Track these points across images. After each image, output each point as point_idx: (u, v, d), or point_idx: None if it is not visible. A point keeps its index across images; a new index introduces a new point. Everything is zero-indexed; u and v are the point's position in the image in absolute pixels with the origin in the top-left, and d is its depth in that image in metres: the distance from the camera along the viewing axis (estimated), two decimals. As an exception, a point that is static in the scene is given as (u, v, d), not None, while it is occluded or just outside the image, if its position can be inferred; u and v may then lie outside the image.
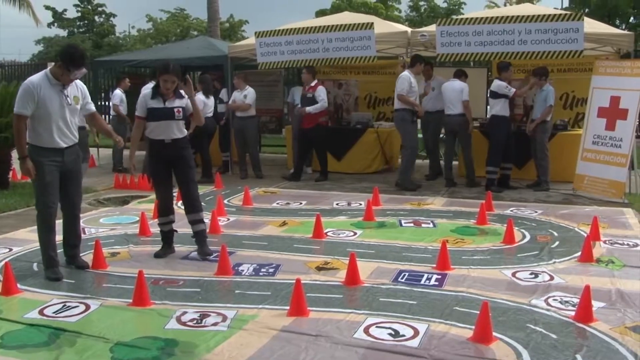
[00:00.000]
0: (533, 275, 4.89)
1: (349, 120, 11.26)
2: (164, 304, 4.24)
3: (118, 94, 11.38)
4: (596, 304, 4.11)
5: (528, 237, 6.16)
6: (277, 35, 9.96)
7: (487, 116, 10.85)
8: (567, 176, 8.98)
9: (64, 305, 4.24)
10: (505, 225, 6.15)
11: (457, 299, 4.33)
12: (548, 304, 4.23)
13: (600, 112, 8.49)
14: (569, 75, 10.60)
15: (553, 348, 3.52)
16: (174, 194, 5.63)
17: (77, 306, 4.21)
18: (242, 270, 5.03)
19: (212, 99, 10.15)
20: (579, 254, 5.39)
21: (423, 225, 6.73)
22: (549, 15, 8.35)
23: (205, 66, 12.03)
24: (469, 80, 9.43)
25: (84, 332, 3.76)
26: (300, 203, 8.01)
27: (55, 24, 40.70)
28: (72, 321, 3.94)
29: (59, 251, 5.04)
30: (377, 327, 3.82)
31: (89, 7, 40.88)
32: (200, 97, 9.29)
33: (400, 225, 6.74)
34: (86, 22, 41.15)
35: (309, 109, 9.47)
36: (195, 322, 3.93)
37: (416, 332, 3.73)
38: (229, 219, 7.03)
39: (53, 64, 4.95)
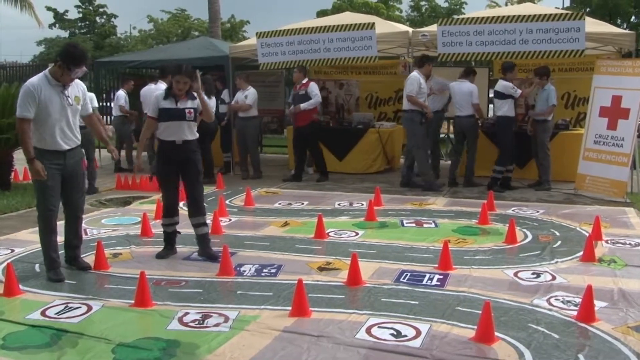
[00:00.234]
0: (535, 275, 4.88)
1: (350, 120, 11.27)
2: (166, 304, 4.24)
3: (122, 95, 11.39)
4: (598, 304, 4.11)
5: (530, 236, 6.16)
6: (278, 35, 9.97)
7: (489, 116, 10.87)
8: (569, 176, 8.98)
9: (66, 306, 4.24)
10: (507, 225, 6.14)
11: (459, 299, 4.32)
12: (550, 304, 4.22)
13: (601, 111, 8.48)
14: (570, 75, 10.60)
15: (555, 348, 3.51)
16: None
17: (79, 307, 4.21)
18: (244, 271, 5.02)
19: (213, 99, 10.14)
20: (581, 253, 5.38)
21: (425, 225, 6.73)
22: (550, 14, 8.35)
23: (206, 67, 12.03)
24: (471, 80, 9.42)
25: (85, 333, 3.76)
26: (302, 203, 8.01)
27: (57, 25, 40.69)
28: (74, 322, 3.94)
29: (60, 252, 5.04)
30: (379, 327, 3.82)
31: (90, 8, 40.87)
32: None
33: (402, 225, 6.73)
34: (87, 23, 41.14)
35: (302, 105, 9.49)
36: (197, 322, 3.93)
37: (418, 333, 3.72)
38: (230, 220, 7.03)
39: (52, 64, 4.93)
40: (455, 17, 13.69)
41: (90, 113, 5.18)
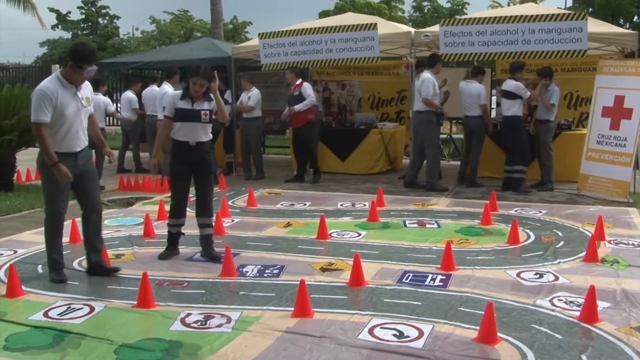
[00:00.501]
0: (538, 276, 4.88)
1: (352, 121, 11.26)
2: (168, 305, 4.24)
3: (133, 97, 11.24)
4: (601, 304, 4.10)
5: (532, 237, 6.15)
6: (281, 36, 9.97)
7: (492, 116, 10.84)
8: (572, 176, 8.97)
9: (69, 307, 4.25)
10: (510, 225, 6.14)
11: (462, 300, 4.32)
12: (553, 304, 4.21)
13: (604, 111, 8.47)
14: (573, 75, 10.59)
15: (558, 348, 3.51)
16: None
17: (82, 308, 4.21)
18: (247, 272, 5.03)
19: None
20: (584, 253, 5.37)
21: (427, 225, 6.73)
22: (553, 14, 8.34)
23: (209, 68, 12.02)
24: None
25: (88, 334, 3.76)
26: (305, 204, 8.01)
27: (60, 26, 40.81)
28: (77, 323, 3.94)
29: (65, 253, 5.02)
30: (381, 328, 3.81)
31: (93, 9, 40.96)
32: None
33: (405, 225, 6.73)
34: (90, 24, 41.23)
35: (297, 107, 9.47)
36: (199, 323, 3.93)
37: (421, 333, 3.72)
38: (233, 220, 7.03)
39: (58, 66, 4.90)
40: (458, 17, 13.66)
41: (92, 113, 5.18)
